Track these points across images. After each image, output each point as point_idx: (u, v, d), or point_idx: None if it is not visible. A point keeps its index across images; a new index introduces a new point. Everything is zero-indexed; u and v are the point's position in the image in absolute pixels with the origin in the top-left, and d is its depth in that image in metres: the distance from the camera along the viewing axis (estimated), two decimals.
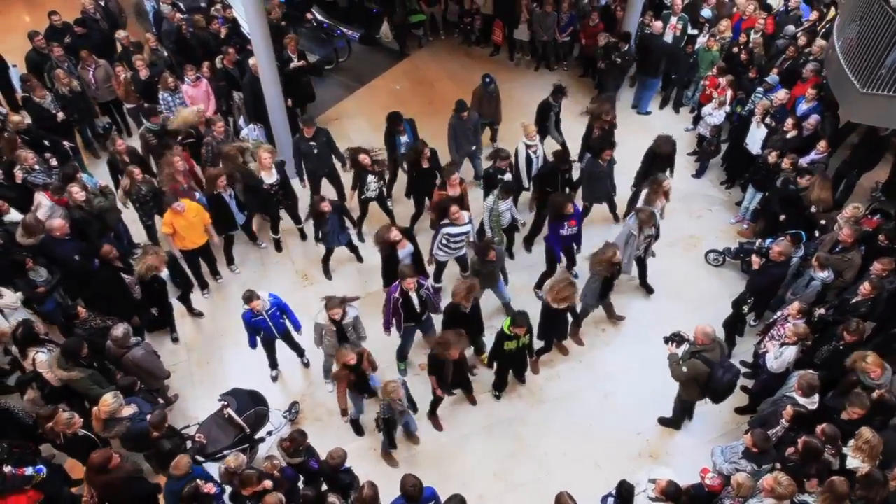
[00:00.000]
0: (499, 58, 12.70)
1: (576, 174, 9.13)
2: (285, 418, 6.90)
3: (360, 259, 8.91)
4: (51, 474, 6.01)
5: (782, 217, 8.14)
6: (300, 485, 5.94)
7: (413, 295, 6.94)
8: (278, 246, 9.18)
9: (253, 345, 7.28)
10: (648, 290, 8.58)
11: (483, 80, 9.64)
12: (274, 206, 8.75)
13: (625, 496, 5.55)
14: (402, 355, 7.70)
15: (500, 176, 8.40)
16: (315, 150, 8.74)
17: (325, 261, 8.74)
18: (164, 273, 7.40)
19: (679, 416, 7.20)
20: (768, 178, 8.53)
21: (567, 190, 8.77)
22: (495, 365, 7.27)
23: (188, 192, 8.27)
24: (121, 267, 7.52)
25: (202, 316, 8.44)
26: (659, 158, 8.64)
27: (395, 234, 7.44)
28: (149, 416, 5.98)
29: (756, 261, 7.43)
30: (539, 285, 8.44)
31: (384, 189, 8.88)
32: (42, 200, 7.69)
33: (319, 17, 12.58)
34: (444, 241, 7.76)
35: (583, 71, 12.20)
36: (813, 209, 7.78)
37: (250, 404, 6.54)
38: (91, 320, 7.03)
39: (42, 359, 6.42)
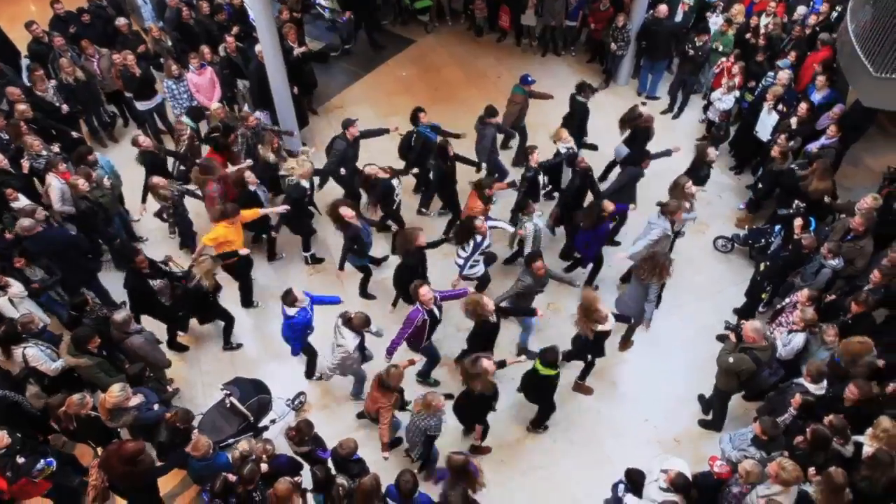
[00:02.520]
0: (506, 43, 12.57)
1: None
2: (288, 406, 6.90)
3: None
4: (61, 465, 6.04)
5: (796, 204, 8.02)
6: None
7: (434, 308, 6.67)
8: (315, 259, 8.83)
9: (296, 352, 7.10)
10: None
11: (526, 80, 9.04)
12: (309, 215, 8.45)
13: (634, 480, 5.62)
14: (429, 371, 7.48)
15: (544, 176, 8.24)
16: (357, 153, 8.51)
17: (364, 285, 8.28)
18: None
19: (720, 415, 7.03)
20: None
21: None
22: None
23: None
24: (149, 274, 7.23)
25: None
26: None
27: (423, 239, 7.21)
28: (168, 416, 6.01)
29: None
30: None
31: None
32: (52, 181, 7.68)
33: (324, 2, 12.47)
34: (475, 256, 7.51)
35: (590, 56, 12.09)
36: (827, 199, 7.72)
37: (253, 393, 6.55)
38: (98, 310, 7.06)
39: (32, 353, 6.37)
